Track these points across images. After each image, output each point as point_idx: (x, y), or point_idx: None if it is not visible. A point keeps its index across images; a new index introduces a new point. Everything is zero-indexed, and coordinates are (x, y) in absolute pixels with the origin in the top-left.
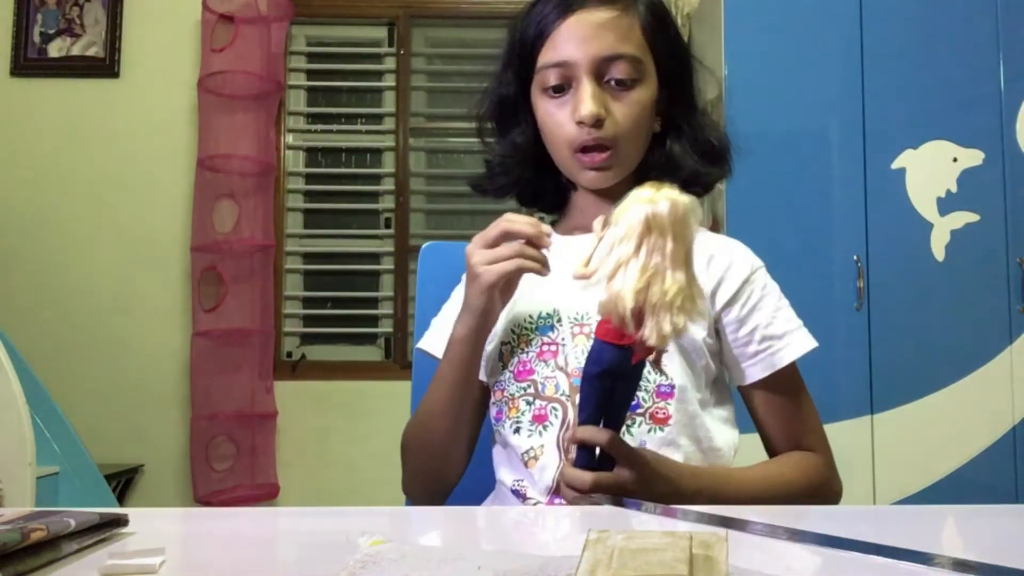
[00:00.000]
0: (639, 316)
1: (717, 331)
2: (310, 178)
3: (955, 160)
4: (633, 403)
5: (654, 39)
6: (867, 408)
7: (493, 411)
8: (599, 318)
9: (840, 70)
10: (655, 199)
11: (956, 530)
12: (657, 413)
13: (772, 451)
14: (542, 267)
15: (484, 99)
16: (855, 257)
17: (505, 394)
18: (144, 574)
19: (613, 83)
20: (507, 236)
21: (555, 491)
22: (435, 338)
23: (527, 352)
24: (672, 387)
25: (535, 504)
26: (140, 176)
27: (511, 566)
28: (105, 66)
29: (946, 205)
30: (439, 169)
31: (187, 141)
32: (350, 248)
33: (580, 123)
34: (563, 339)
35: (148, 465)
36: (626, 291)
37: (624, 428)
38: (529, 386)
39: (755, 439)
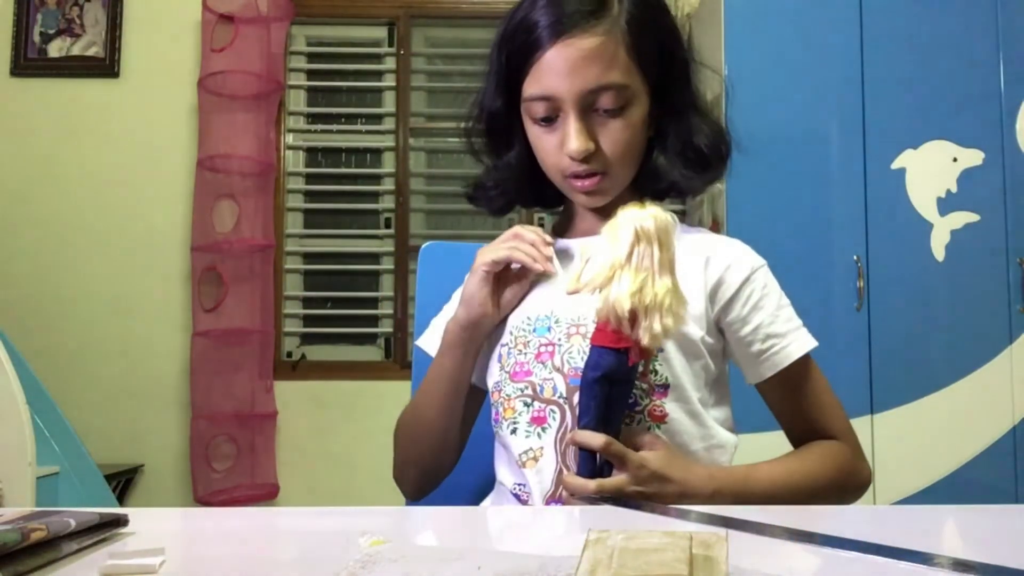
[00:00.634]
0: (633, 318)
1: (720, 330)
2: (310, 178)
3: (955, 160)
4: (631, 401)
5: (640, 55)
6: (867, 408)
7: (492, 412)
8: (595, 322)
9: (840, 70)
10: (641, 216)
11: (956, 530)
12: (655, 411)
13: (795, 443)
14: (534, 261)
15: (473, 109)
16: (855, 257)
17: (502, 395)
18: (144, 574)
19: (602, 112)
20: (512, 260)
21: (553, 495)
22: (434, 337)
23: (524, 353)
24: (667, 387)
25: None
26: (140, 176)
27: (511, 566)
28: (105, 66)
29: (946, 205)
30: (439, 169)
31: (187, 141)
32: (350, 248)
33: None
34: (559, 340)
35: (148, 465)
36: (623, 294)
37: (623, 427)
38: (526, 387)
39: (755, 439)
